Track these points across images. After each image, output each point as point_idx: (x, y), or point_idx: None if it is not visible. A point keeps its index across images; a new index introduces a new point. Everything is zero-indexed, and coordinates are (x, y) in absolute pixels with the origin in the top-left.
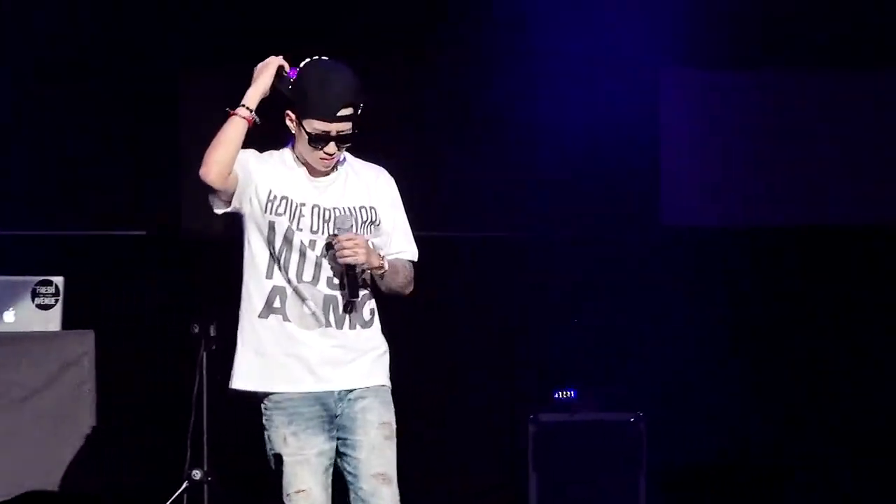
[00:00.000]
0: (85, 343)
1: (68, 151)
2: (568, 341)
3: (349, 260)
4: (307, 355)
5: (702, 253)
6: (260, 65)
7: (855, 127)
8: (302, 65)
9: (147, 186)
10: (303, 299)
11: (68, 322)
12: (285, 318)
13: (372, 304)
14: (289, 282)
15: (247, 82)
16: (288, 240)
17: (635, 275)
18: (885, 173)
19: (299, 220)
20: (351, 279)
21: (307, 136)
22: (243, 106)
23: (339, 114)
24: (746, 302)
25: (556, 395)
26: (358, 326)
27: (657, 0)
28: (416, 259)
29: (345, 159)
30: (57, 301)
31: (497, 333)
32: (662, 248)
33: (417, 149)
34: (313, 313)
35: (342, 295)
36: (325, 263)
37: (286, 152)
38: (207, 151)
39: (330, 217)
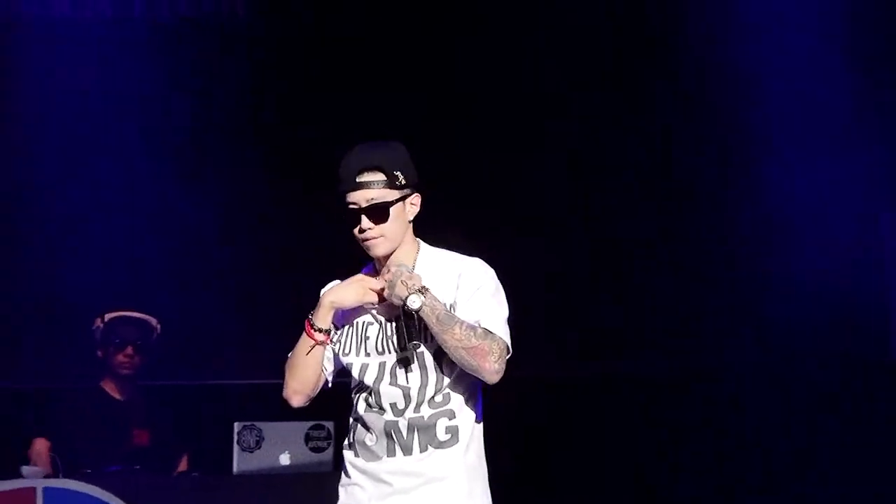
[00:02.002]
0: None
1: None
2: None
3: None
4: (369, 485)
5: None
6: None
7: None
8: None
9: None
10: (367, 430)
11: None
12: (356, 454)
13: (453, 421)
14: (358, 413)
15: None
16: (354, 371)
17: (868, 403)
18: None
19: (365, 343)
20: (401, 318)
21: (344, 219)
22: (311, 323)
23: (359, 179)
24: None
25: None
26: (430, 448)
27: (874, 148)
28: (503, 338)
29: (421, 253)
30: (329, 444)
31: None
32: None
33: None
34: (374, 444)
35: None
36: (388, 391)
37: (364, 272)
38: (286, 373)
39: (392, 333)
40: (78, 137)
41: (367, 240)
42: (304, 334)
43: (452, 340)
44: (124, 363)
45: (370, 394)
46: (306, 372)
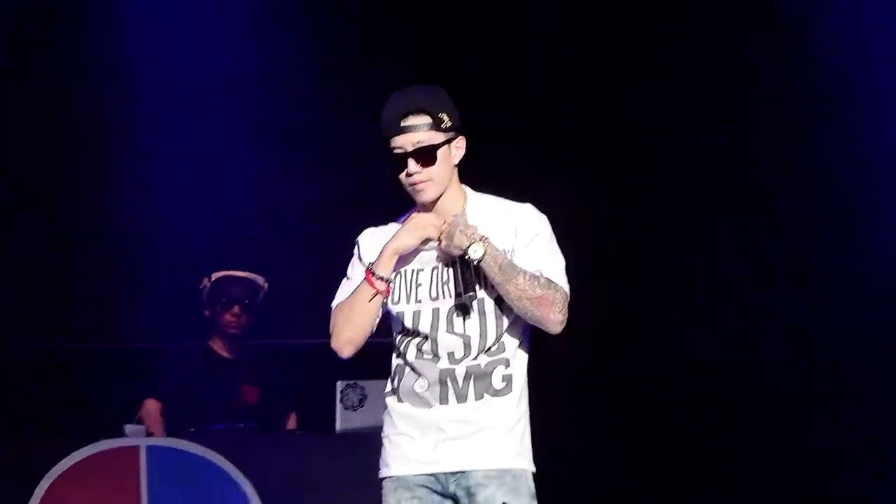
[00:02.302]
0: None
1: None
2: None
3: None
4: (418, 434)
5: None
6: (407, 223)
7: None
8: None
9: None
10: (417, 376)
11: None
12: (400, 400)
13: (508, 370)
14: (407, 359)
15: None
16: (406, 319)
17: None
18: None
19: (416, 291)
20: (456, 267)
21: (388, 161)
22: (373, 273)
23: (404, 123)
24: None
25: None
26: (486, 396)
27: None
28: (564, 287)
29: (469, 199)
30: None
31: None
32: None
33: None
34: (425, 391)
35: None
36: (446, 339)
37: (411, 214)
38: (339, 323)
39: (448, 278)
40: (195, 106)
41: (414, 184)
42: (364, 283)
43: (516, 290)
44: (231, 322)
45: (425, 340)
46: (363, 322)
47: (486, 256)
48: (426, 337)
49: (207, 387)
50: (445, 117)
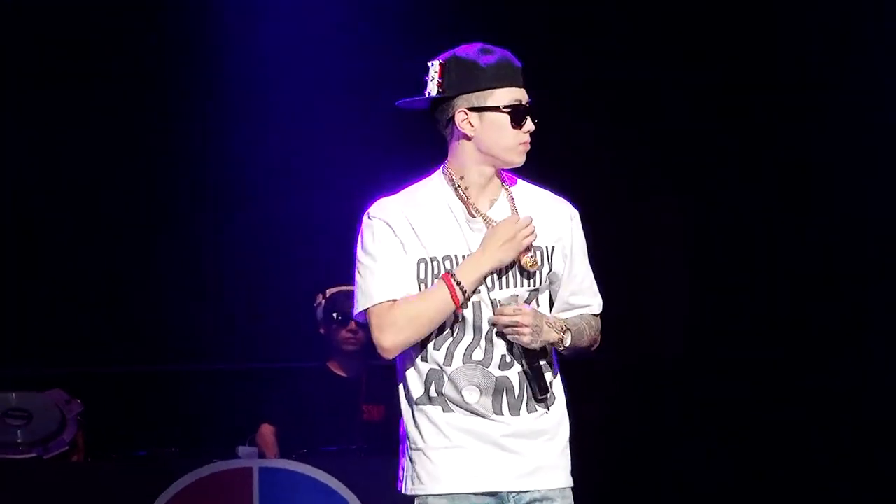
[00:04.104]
0: None
1: None
2: None
3: (513, 338)
4: (476, 446)
5: None
6: (503, 233)
7: None
8: (443, 60)
9: None
10: (467, 383)
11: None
12: (446, 410)
13: (549, 376)
14: (454, 365)
15: None
16: (470, 315)
17: None
18: None
19: (485, 282)
20: (531, 365)
21: (508, 115)
22: (461, 288)
23: (521, 77)
24: None
25: None
26: (538, 407)
27: None
28: (600, 311)
29: (513, 183)
30: None
31: None
32: None
33: None
34: (477, 401)
35: (530, 388)
36: (502, 341)
37: (436, 184)
38: (401, 322)
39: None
40: (301, 118)
41: (525, 143)
42: (448, 296)
43: (582, 347)
44: (348, 339)
45: (482, 341)
46: (428, 331)
47: (571, 337)
48: (482, 336)
49: (324, 410)
50: None
